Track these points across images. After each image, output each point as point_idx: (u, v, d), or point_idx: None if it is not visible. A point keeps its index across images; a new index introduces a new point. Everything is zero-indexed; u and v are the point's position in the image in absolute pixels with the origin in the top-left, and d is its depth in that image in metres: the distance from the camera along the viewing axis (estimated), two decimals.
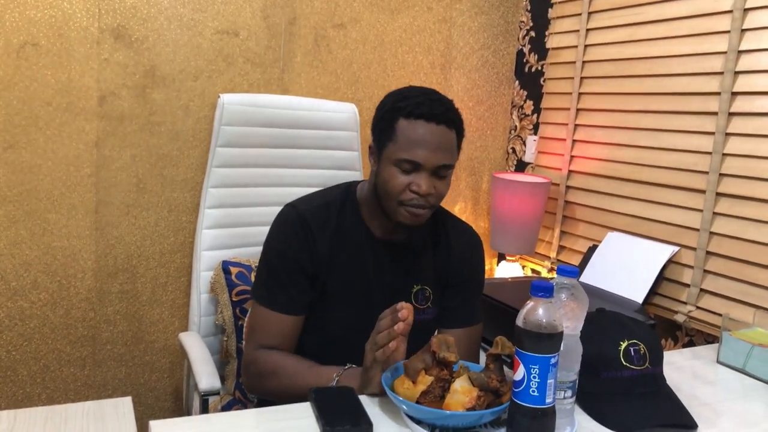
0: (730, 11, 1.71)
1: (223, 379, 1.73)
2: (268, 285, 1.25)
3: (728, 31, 1.71)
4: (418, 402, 0.97)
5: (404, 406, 0.97)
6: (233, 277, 1.73)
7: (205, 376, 1.48)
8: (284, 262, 1.23)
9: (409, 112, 1.14)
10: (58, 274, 1.88)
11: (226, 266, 1.74)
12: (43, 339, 1.90)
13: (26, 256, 1.83)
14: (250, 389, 1.29)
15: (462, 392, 0.97)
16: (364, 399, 1.06)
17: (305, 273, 1.23)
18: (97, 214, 1.90)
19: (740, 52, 1.69)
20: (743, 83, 1.69)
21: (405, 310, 1.01)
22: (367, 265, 1.26)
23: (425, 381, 0.99)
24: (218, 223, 1.80)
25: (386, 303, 1.07)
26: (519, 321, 0.91)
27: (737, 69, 1.70)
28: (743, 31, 1.69)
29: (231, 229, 1.82)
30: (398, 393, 0.99)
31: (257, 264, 1.31)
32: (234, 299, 1.72)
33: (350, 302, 1.26)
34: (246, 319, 1.69)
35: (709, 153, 1.76)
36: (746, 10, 1.68)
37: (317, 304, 1.26)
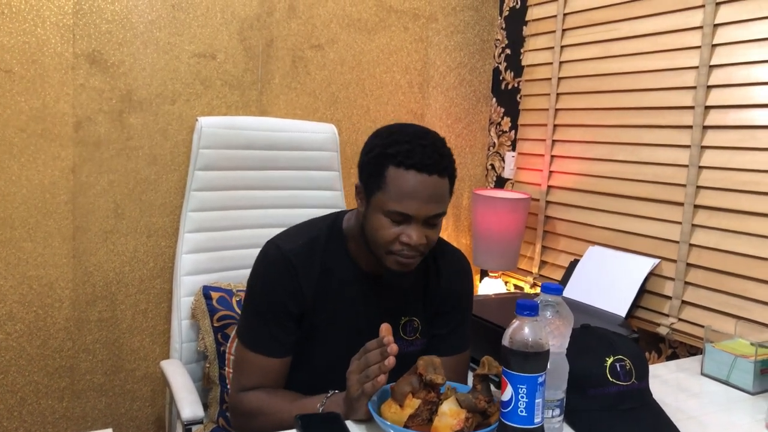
0: (701, 27, 1.74)
1: (206, 406, 1.70)
2: (253, 327, 1.22)
3: (699, 47, 1.75)
4: (406, 426, 0.96)
5: (392, 431, 0.96)
6: (214, 302, 1.70)
7: (188, 404, 1.45)
8: (269, 305, 1.20)
9: (400, 162, 1.07)
10: (35, 304, 1.84)
11: (206, 291, 1.72)
12: (20, 371, 1.85)
13: (1, 287, 1.79)
14: (238, 430, 1.26)
15: (450, 414, 0.96)
16: (350, 424, 1.04)
17: (291, 315, 1.20)
18: (75, 242, 1.87)
19: (711, 66, 1.73)
20: (716, 97, 1.72)
21: (394, 344, 0.99)
22: (354, 300, 1.23)
23: (413, 404, 0.98)
24: (198, 247, 1.78)
25: (374, 336, 1.05)
26: (505, 341, 0.91)
27: (709, 83, 1.73)
28: (714, 46, 1.72)
29: (211, 253, 1.80)
30: (385, 417, 0.98)
31: (242, 300, 1.28)
32: (215, 325, 1.70)
33: (337, 337, 1.23)
34: (229, 355, 1.67)
35: (686, 166, 1.78)
36: (716, 26, 1.71)
37: (304, 340, 1.23)
